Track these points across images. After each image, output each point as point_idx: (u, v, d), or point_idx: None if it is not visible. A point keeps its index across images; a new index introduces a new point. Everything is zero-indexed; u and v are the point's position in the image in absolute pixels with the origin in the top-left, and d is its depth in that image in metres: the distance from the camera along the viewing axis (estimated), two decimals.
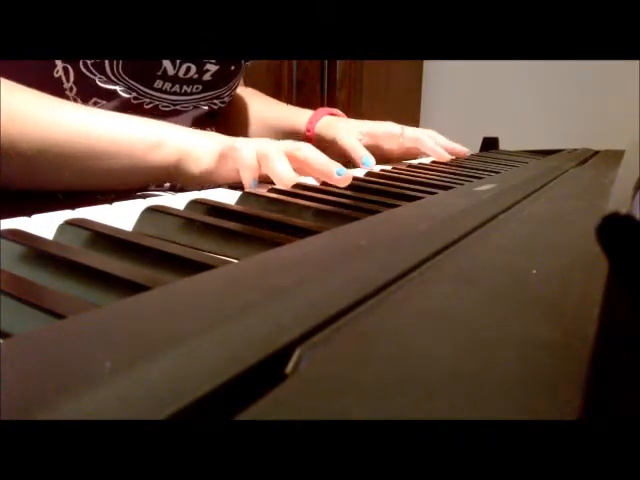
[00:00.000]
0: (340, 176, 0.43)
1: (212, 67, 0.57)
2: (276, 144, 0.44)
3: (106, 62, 0.49)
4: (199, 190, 0.42)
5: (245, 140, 0.44)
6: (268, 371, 0.12)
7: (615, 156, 0.73)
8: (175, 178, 0.45)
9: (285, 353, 0.12)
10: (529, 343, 0.13)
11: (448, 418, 0.10)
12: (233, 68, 0.60)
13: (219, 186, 0.43)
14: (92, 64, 0.49)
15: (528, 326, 0.14)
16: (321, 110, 0.70)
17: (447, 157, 0.67)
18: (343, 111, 0.73)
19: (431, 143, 0.67)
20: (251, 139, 0.45)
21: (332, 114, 0.70)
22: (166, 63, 0.52)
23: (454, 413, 0.10)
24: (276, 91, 1.38)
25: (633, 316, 0.12)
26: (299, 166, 0.44)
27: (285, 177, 0.41)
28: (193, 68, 0.55)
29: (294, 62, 1.48)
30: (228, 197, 0.36)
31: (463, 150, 0.73)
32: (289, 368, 0.12)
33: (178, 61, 0.53)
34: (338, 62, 1.48)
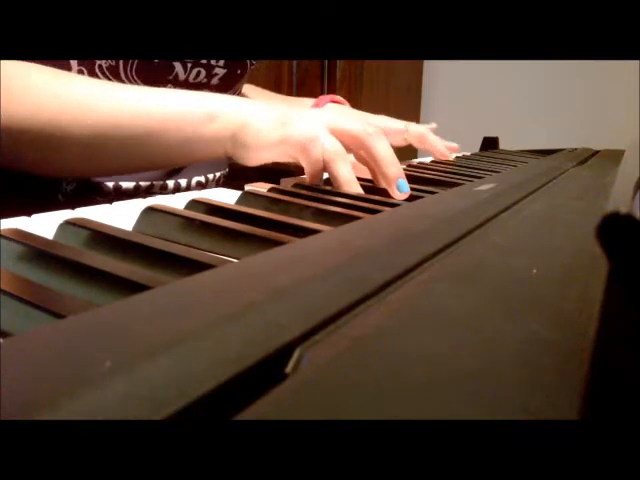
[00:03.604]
0: (400, 193, 0.42)
1: (220, 71, 0.56)
2: (350, 131, 0.42)
3: (120, 66, 0.49)
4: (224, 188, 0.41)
5: (307, 128, 0.41)
6: (268, 371, 0.12)
7: (615, 156, 0.73)
8: (232, 153, 0.43)
9: (285, 353, 0.12)
10: (529, 343, 0.13)
11: (448, 418, 0.10)
12: (239, 72, 0.60)
13: (219, 186, 0.43)
14: (107, 67, 0.48)
15: (528, 326, 0.14)
16: (323, 98, 0.69)
17: (447, 155, 0.67)
18: None
19: (434, 140, 0.67)
20: (313, 117, 0.43)
21: (334, 101, 0.69)
22: (178, 67, 0.52)
23: (454, 413, 0.10)
24: (276, 91, 1.38)
25: (633, 316, 0.12)
26: (364, 157, 0.43)
27: (347, 189, 0.40)
28: (203, 72, 0.54)
29: (294, 62, 1.48)
30: (228, 197, 0.36)
31: (454, 146, 0.73)
32: (289, 368, 0.12)
33: (189, 65, 0.53)
34: (338, 62, 1.48)
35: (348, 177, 0.40)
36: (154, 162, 0.45)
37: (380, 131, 0.44)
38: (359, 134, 0.43)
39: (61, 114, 0.38)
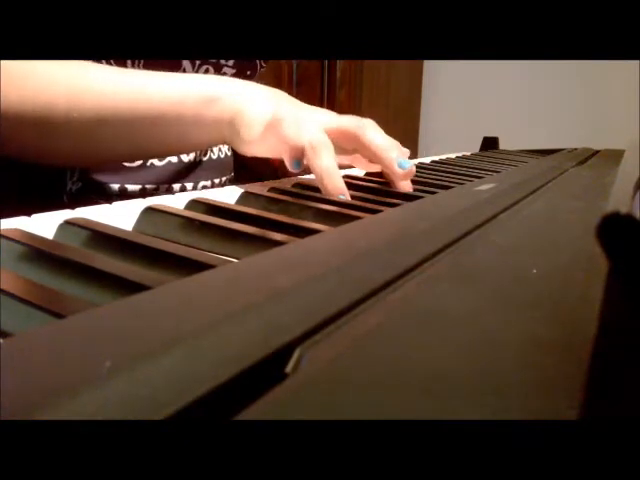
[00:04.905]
0: (402, 170, 0.40)
1: (229, 70, 0.56)
2: (334, 128, 0.41)
3: (128, 61, 0.48)
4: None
5: (297, 117, 0.41)
6: (268, 371, 0.12)
7: (615, 156, 0.73)
8: (229, 139, 0.43)
9: (285, 353, 0.12)
10: (529, 343, 0.13)
11: (448, 418, 0.10)
12: (249, 73, 0.59)
13: (223, 185, 0.42)
14: (114, 62, 0.48)
15: (528, 326, 0.14)
16: None
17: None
18: (343, 111, 0.72)
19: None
20: (310, 113, 0.42)
21: None
22: (186, 64, 0.52)
23: (454, 413, 0.10)
24: None
25: (633, 316, 0.12)
26: (355, 147, 0.42)
27: (330, 187, 0.38)
28: (212, 70, 0.54)
29: (294, 62, 1.48)
30: (228, 197, 0.36)
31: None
32: (289, 368, 0.12)
33: (197, 62, 0.52)
34: (338, 62, 1.48)
35: (325, 167, 0.38)
36: (154, 145, 0.44)
37: (372, 123, 0.43)
38: (349, 128, 0.42)
39: (58, 97, 0.38)
